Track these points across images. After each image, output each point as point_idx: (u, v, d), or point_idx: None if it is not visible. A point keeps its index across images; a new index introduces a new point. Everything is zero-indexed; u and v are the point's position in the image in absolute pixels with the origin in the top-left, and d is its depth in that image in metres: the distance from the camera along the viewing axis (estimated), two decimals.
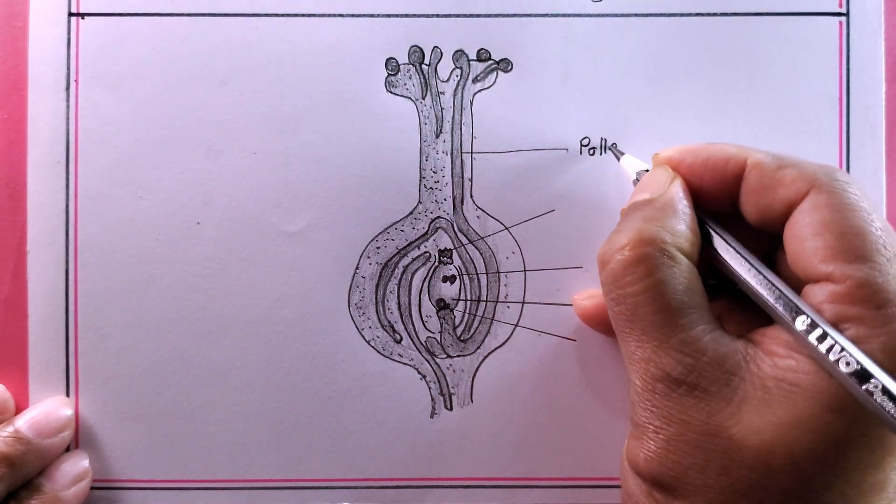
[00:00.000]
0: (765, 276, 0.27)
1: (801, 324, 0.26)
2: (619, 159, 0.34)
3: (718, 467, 0.26)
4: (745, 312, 0.29)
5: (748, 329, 0.28)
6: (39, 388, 0.35)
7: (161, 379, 0.35)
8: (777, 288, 0.27)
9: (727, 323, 0.28)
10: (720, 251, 0.29)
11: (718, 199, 0.30)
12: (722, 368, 0.26)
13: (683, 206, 0.29)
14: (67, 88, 0.35)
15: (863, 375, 0.24)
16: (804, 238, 0.26)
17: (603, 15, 0.35)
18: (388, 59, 0.35)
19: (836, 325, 0.25)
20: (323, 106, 0.35)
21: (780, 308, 0.26)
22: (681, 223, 0.28)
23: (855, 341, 0.25)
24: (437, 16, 0.35)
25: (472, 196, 0.35)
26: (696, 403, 0.26)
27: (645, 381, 0.27)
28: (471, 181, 0.35)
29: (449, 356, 0.36)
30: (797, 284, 0.27)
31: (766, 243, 0.30)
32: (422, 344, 0.36)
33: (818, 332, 0.25)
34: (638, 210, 0.29)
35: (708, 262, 0.29)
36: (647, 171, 0.32)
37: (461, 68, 0.35)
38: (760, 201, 0.28)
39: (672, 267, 0.27)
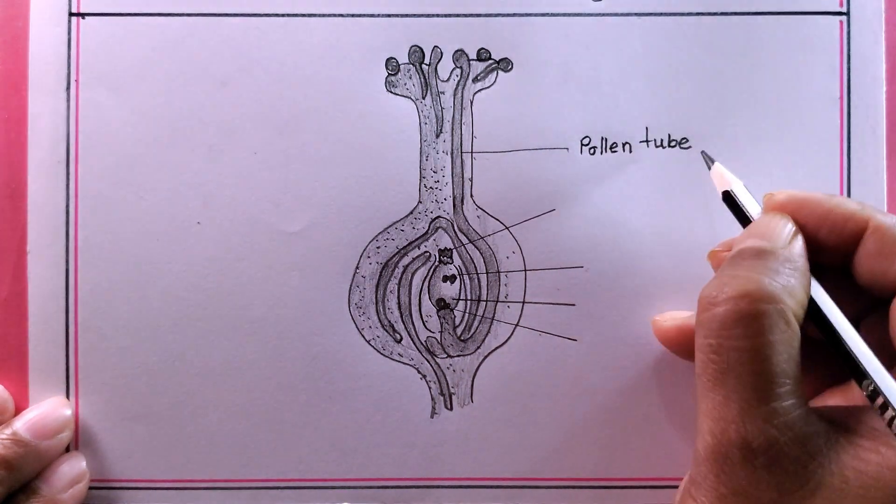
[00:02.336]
0: (854, 354, 0.27)
1: (866, 387, 0.26)
2: (709, 168, 0.33)
3: None
4: (822, 371, 0.29)
5: (820, 387, 0.28)
6: (39, 388, 0.35)
7: (161, 379, 0.35)
8: (866, 371, 0.26)
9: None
10: (830, 319, 0.28)
11: (830, 255, 0.29)
12: (803, 448, 0.25)
13: (805, 267, 0.27)
14: (67, 88, 0.35)
15: None
16: None
17: (603, 14, 0.35)
18: (388, 59, 0.35)
19: None
20: (323, 106, 0.35)
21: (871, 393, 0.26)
22: (800, 286, 0.27)
23: None
24: (437, 15, 0.35)
25: (472, 196, 0.35)
26: (769, 479, 0.25)
27: (719, 442, 0.25)
28: (471, 181, 0.35)
29: (449, 356, 0.36)
30: (893, 354, 0.27)
31: (866, 303, 0.29)
32: (422, 344, 0.36)
33: (890, 413, 0.25)
34: (757, 259, 0.27)
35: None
36: (742, 186, 0.31)
37: (461, 68, 0.35)
38: (876, 267, 0.27)
39: (785, 332, 0.25)
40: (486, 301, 0.35)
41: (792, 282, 0.26)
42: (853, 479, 0.24)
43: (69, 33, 0.35)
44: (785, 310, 0.26)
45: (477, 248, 0.36)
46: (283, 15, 0.35)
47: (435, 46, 0.35)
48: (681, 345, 0.33)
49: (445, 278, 0.36)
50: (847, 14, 0.35)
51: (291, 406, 0.35)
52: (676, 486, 0.31)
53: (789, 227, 0.28)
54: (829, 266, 0.29)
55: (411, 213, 0.35)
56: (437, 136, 0.35)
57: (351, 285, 0.35)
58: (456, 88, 0.35)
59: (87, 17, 0.35)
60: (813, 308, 0.28)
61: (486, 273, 0.36)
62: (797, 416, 0.25)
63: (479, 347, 0.35)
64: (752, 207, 0.31)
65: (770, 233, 0.28)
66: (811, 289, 0.28)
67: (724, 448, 0.25)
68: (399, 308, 0.36)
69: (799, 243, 0.28)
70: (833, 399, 0.30)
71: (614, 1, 0.35)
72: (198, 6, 0.35)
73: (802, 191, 0.30)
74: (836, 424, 0.26)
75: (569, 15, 0.35)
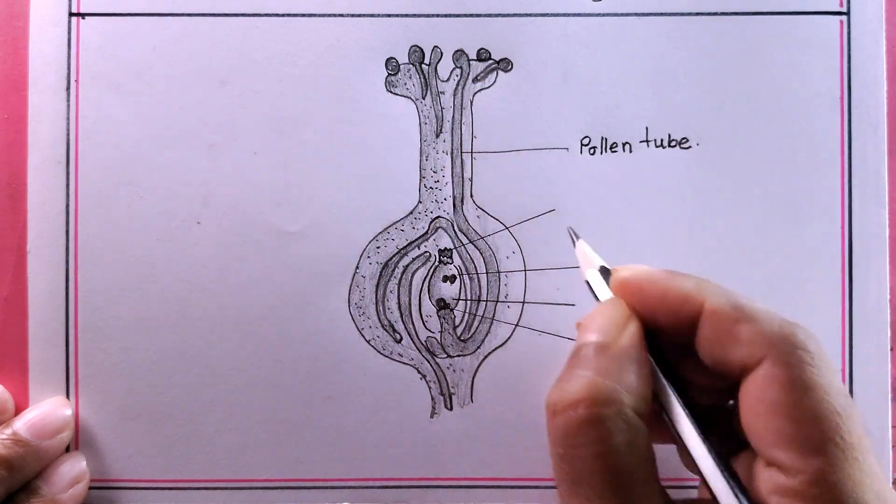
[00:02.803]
0: (707, 458, 0.25)
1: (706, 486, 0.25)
2: (574, 244, 0.32)
3: None
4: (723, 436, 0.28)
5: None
6: (39, 388, 0.35)
7: (161, 379, 0.35)
8: (703, 471, 0.25)
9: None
10: (672, 415, 0.26)
11: (674, 337, 0.27)
12: None
13: (641, 356, 0.26)
14: (68, 88, 0.35)
15: None
16: (757, 413, 0.25)
17: (603, 15, 0.35)
18: (388, 59, 0.35)
19: None
20: (323, 106, 0.35)
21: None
22: (638, 379, 0.26)
23: None
24: (437, 16, 0.35)
25: (472, 196, 0.35)
26: None
27: None
28: (471, 181, 0.35)
29: (449, 356, 0.36)
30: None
31: (726, 385, 0.27)
32: (422, 344, 0.36)
33: None
34: (591, 357, 0.26)
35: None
36: (603, 268, 0.30)
37: (461, 68, 0.35)
38: (715, 353, 0.26)
39: (626, 433, 0.25)
40: (486, 301, 0.35)
41: (629, 377, 0.26)
42: None
43: (69, 33, 0.35)
44: (624, 409, 0.25)
45: (477, 248, 0.36)
46: (282, 14, 0.35)
47: (435, 46, 0.35)
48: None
49: (445, 278, 0.36)
50: (847, 14, 0.35)
51: (291, 406, 0.35)
52: (673, 486, 0.31)
53: (621, 313, 0.27)
54: (681, 346, 0.28)
55: (411, 213, 0.35)
56: (437, 136, 0.35)
57: (351, 285, 0.35)
58: (456, 88, 0.35)
59: (87, 17, 0.35)
60: (668, 415, 0.27)
61: (486, 273, 0.36)
62: None
63: (479, 347, 0.35)
64: (603, 293, 0.29)
65: (604, 324, 0.27)
66: (655, 376, 0.27)
67: None
68: (399, 308, 0.36)
69: (632, 332, 0.27)
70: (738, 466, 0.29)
71: (614, 1, 0.35)
72: (198, 6, 0.35)
73: (645, 267, 0.28)
74: None
75: (568, 15, 0.35)
